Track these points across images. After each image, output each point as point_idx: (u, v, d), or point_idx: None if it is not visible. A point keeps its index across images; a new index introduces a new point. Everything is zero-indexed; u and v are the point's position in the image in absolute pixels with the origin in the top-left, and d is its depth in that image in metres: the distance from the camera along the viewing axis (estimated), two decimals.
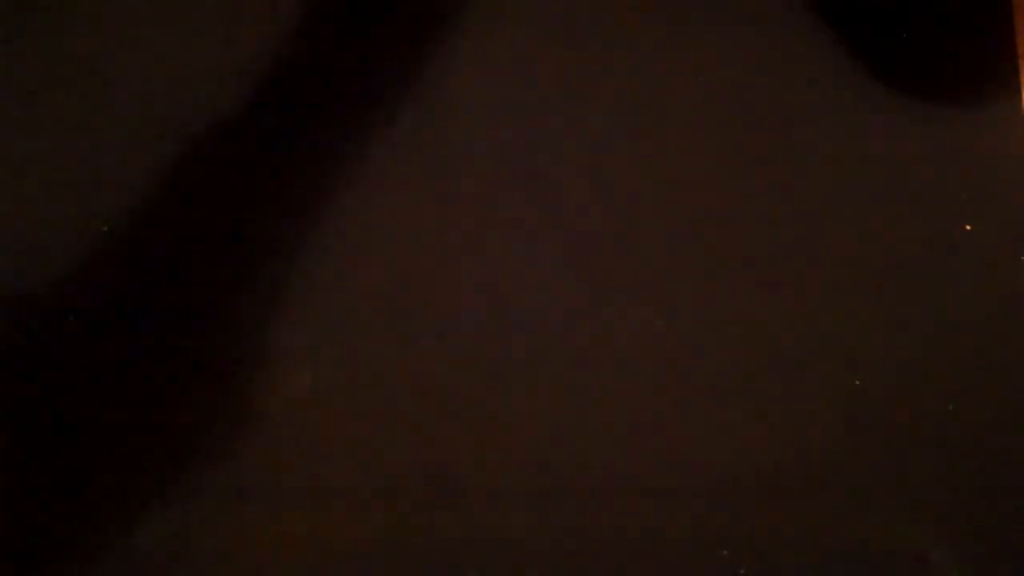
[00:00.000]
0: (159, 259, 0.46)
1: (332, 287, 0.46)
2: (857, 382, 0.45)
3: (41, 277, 0.46)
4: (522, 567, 0.43)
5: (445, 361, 0.45)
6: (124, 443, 0.44)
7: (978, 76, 0.49)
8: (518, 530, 0.43)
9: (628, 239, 0.47)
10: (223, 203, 0.47)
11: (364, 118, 0.48)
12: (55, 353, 0.45)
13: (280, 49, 0.49)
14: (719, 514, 0.44)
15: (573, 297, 0.46)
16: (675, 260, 0.46)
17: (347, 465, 0.44)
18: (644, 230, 0.47)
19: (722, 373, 0.45)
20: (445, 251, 0.46)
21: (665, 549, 0.43)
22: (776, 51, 0.49)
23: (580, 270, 0.46)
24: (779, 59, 0.49)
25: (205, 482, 0.44)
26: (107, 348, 0.45)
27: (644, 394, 0.45)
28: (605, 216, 0.47)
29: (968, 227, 0.47)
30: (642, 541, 0.43)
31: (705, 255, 0.47)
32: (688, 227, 0.47)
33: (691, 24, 0.49)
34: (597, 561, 0.43)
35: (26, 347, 0.45)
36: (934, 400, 0.45)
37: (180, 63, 0.48)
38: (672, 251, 0.47)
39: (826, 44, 0.49)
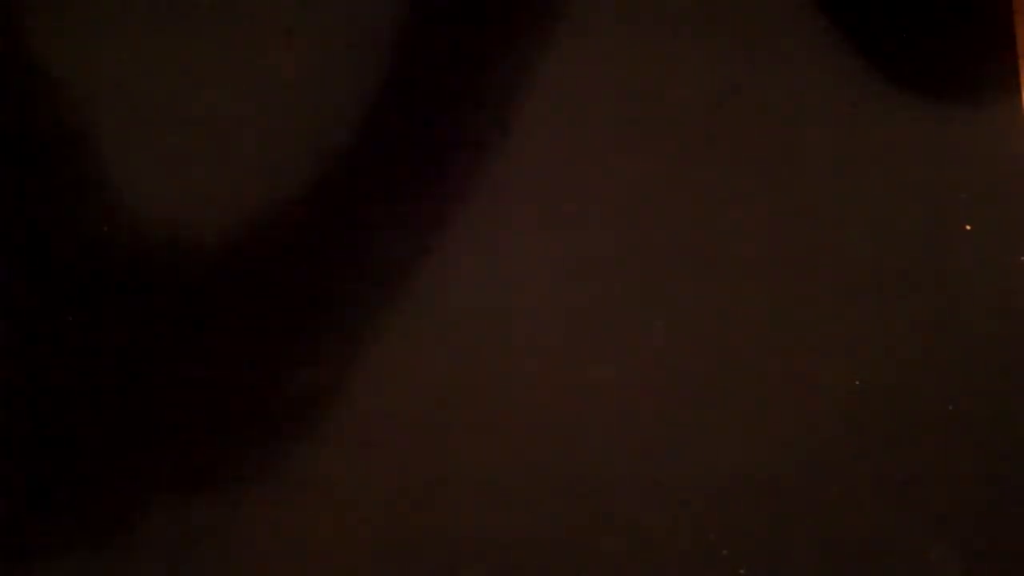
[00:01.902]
0: (159, 259, 0.46)
1: (332, 287, 0.46)
2: (857, 382, 0.45)
3: (41, 277, 0.46)
4: (522, 567, 0.43)
5: (445, 361, 0.45)
6: (123, 443, 0.44)
7: (978, 76, 0.49)
8: (518, 530, 0.43)
9: (628, 239, 0.47)
10: (222, 203, 0.47)
11: (360, 120, 0.48)
12: (55, 354, 0.45)
13: (284, 64, 0.49)
14: (719, 514, 0.44)
15: (573, 297, 0.46)
16: (675, 260, 0.46)
17: (347, 465, 0.44)
18: (644, 230, 0.47)
19: (722, 373, 0.45)
20: (445, 250, 0.46)
21: (665, 549, 0.43)
22: (776, 51, 0.49)
23: (580, 270, 0.46)
24: (779, 59, 0.49)
25: (204, 482, 0.44)
26: (107, 348, 0.45)
27: (644, 394, 0.45)
28: (605, 216, 0.47)
29: (968, 227, 0.47)
30: (642, 541, 0.44)
31: (705, 255, 0.47)
32: (688, 227, 0.47)
33: (691, 23, 0.49)
34: (597, 561, 0.43)
35: (26, 347, 0.45)
36: (934, 400, 0.45)
37: (182, 70, 0.48)
38: (672, 251, 0.47)
39: (826, 44, 0.49)
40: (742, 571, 0.43)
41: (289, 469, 0.44)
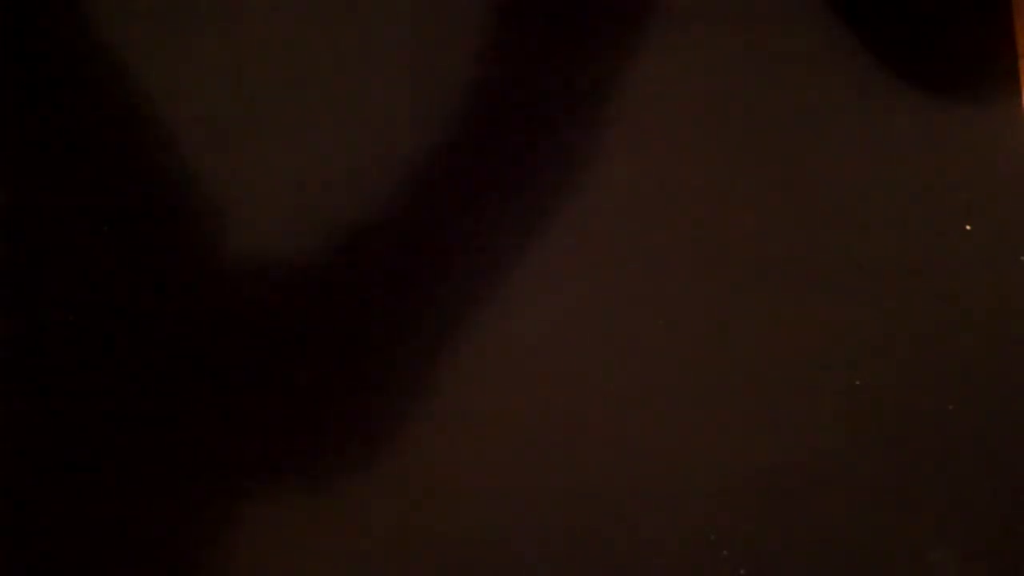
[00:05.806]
0: (159, 259, 0.46)
1: (332, 286, 0.46)
2: (857, 382, 0.45)
3: (41, 277, 0.46)
4: (522, 567, 0.43)
5: (446, 361, 0.45)
6: (122, 443, 0.44)
7: (978, 76, 0.49)
8: (518, 530, 0.43)
9: (629, 239, 0.47)
10: (221, 202, 0.47)
11: (360, 120, 0.48)
12: (56, 354, 0.45)
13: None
14: (719, 514, 0.44)
15: (574, 297, 0.46)
16: (675, 260, 0.46)
17: (347, 465, 0.44)
18: (645, 230, 0.47)
19: (722, 373, 0.45)
20: (444, 251, 0.46)
21: (665, 549, 0.43)
22: (777, 53, 0.49)
23: (581, 270, 0.46)
24: (780, 61, 0.49)
25: (204, 482, 0.44)
26: (107, 348, 0.45)
27: (645, 394, 0.45)
28: (606, 216, 0.47)
29: (968, 227, 0.47)
30: (642, 541, 0.44)
31: (705, 255, 0.47)
32: (688, 227, 0.47)
33: (692, 22, 0.49)
34: (597, 561, 0.43)
35: (26, 348, 0.45)
36: (934, 400, 0.45)
37: (181, 65, 0.48)
38: (672, 251, 0.47)
39: (826, 45, 0.49)
40: (742, 571, 0.43)
41: (289, 470, 0.44)
